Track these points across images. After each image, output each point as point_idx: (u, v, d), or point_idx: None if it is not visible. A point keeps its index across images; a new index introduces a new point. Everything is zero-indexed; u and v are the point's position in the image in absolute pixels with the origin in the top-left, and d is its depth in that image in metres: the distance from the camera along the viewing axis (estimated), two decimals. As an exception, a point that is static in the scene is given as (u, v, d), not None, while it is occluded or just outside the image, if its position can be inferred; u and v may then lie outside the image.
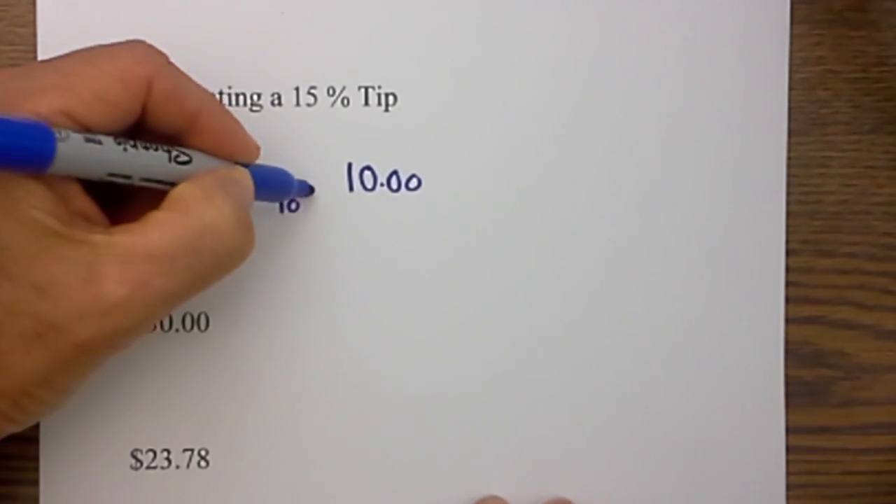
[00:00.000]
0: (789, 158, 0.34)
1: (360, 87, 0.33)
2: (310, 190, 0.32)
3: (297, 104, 0.32)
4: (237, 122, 0.29)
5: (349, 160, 0.33)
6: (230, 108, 0.32)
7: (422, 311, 0.33)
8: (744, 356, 0.33)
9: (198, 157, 0.27)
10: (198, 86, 0.28)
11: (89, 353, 0.24)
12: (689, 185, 0.33)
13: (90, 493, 0.32)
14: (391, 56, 0.33)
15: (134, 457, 0.32)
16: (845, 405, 0.34)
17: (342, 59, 0.32)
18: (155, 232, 0.24)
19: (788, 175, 0.34)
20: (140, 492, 0.32)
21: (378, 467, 0.33)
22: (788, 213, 0.34)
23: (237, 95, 0.32)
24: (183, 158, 0.26)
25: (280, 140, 0.32)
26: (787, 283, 0.34)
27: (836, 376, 0.34)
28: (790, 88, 0.34)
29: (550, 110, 0.33)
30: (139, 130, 0.26)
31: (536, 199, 0.33)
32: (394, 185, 0.33)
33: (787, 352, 0.34)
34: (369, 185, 0.33)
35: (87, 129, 0.24)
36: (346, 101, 0.33)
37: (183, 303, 0.25)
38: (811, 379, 0.34)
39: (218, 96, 0.32)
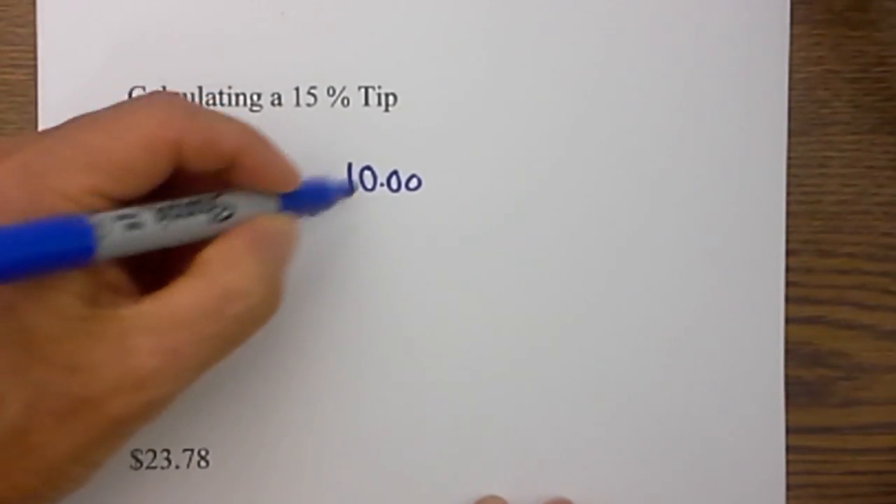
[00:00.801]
0: (789, 158, 0.34)
1: (360, 87, 0.33)
2: (350, 190, 0.32)
3: (297, 104, 0.32)
4: (276, 153, 0.27)
5: (349, 160, 0.33)
6: (230, 109, 0.32)
7: (422, 312, 0.33)
8: (744, 356, 0.33)
9: (241, 206, 0.26)
10: (231, 124, 0.26)
11: (123, 426, 0.24)
12: (688, 185, 0.33)
13: (90, 493, 0.32)
14: (391, 56, 0.33)
15: (134, 457, 0.32)
16: (845, 405, 0.34)
17: (342, 59, 0.32)
18: (181, 299, 0.24)
19: (788, 175, 0.34)
20: (140, 492, 0.32)
21: (378, 467, 0.33)
22: (788, 213, 0.34)
23: (237, 95, 0.32)
24: (224, 214, 0.26)
25: (280, 140, 0.32)
26: (787, 283, 0.34)
27: (836, 376, 0.34)
28: (790, 88, 0.34)
29: (550, 110, 0.33)
30: (175, 176, 0.26)
31: (536, 198, 0.33)
32: (394, 185, 0.33)
33: (787, 352, 0.34)
34: (369, 185, 0.33)
35: (120, 201, 0.24)
36: (346, 101, 0.33)
37: (214, 366, 0.25)
38: (811, 379, 0.34)
39: (218, 96, 0.32)
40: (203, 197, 0.26)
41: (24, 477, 0.23)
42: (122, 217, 0.23)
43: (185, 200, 0.25)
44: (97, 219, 0.23)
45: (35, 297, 0.22)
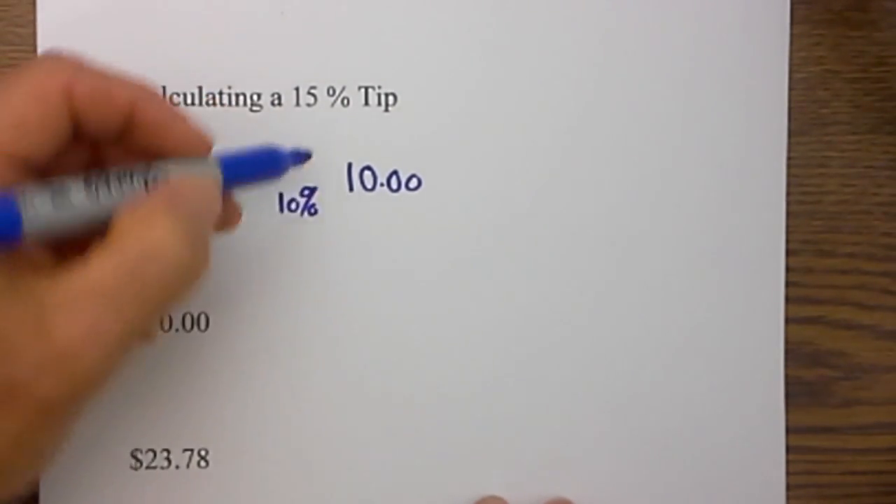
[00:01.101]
0: (789, 158, 0.34)
1: (360, 87, 0.33)
2: (305, 157, 0.31)
3: (297, 104, 0.32)
4: (177, 113, 0.27)
5: (349, 160, 0.33)
6: (230, 109, 0.32)
7: (422, 312, 0.33)
8: (744, 356, 0.33)
9: (174, 174, 0.26)
10: (123, 80, 0.26)
11: (56, 407, 0.23)
12: (689, 186, 0.33)
13: (90, 493, 0.32)
14: (391, 56, 0.33)
15: (134, 457, 0.32)
16: (845, 405, 0.34)
17: (342, 59, 0.32)
18: (96, 268, 0.23)
19: (788, 175, 0.34)
20: (140, 492, 0.32)
21: (378, 467, 0.33)
22: (788, 213, 0.34)
23: (237, 95, 0.32)
24: (158, 178, 0.25)
25: (280, 140, 0.32)
26: (787, 283, 0.34)
27: (836, 376, 0.34)
28: (790, 88, 0.34)
29: (550, 110, 0.33)
30: (88, 146, 0.26)
31: (536, 198, 0.33)
32: (394, 185, 0.33)
33: (787, 352, 0.34)
34: (369, 185, 0.33)
35: (24, 161, 0.23)
36: (346, 101, 0.33)
37: (143, 335, 0.24)
38: (811, 379, 0.34)
39: (218, 96, 0.32)
40: (136, 166, 0.25)
41: None
42: (44, 187, 0.22)
43: (115, 169, 0.25)
44: (19, 194, 0.22)
45: None
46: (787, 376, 0.34)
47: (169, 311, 0.25)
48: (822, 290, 0.34)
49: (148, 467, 0.32)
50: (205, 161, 0.27)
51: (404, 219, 0.33)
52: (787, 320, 0.34)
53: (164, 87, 0.32)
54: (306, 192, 0.32)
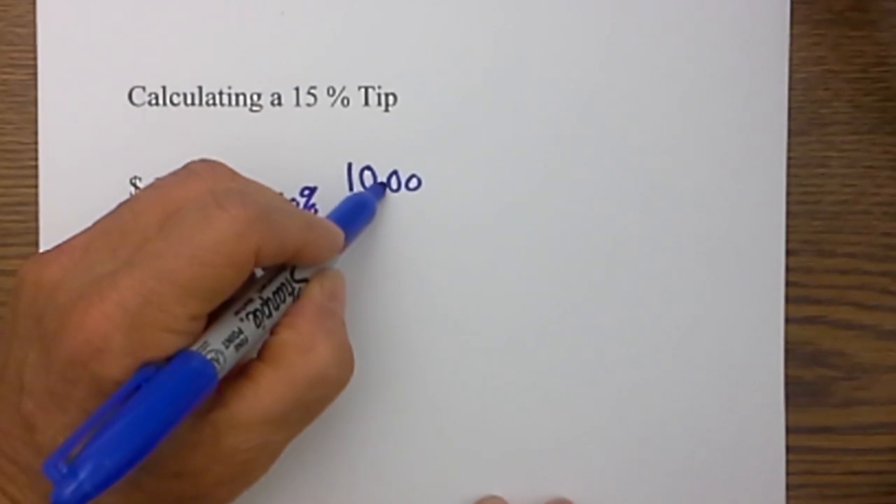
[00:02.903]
0: (789, 158, 0.34)
1: (360, 87, 0.33)
2: (384, 190, 0.32)
3: (297, 104, 0.32)
4: (327, 234, 0.28)
5: (349, 160, 0.33)
6: (230, 109, 0.32)
7: (421, 311, 0.33)
8: (744, 356, 0.33)
9: (311, 274, 0.27)
10: (294, 222, 0.26)
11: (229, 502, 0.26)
12: (689, 185, 0.33)
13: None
14: (391, 56, 0.33)
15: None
16: (845, 405, 0.34)
17: (342, 59, 0.32)
18: (266, 396, 0.25)
19: (788, 175, 0.34)
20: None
21: (378, 467, 0.33)
22: (788, 213, 0.34)
23: (237, 95, 0.32)
24: (300, 289, 0.27)
25: (280, 140, 0.32)
26: (787, 283, 0.34)
27: (836, 376, 0.34)
28: (790, 88, 0.34)
29: (550, 109, 0.33)
30: None
31: (536, 198, 0.33)
32: (394, 185, 0.33)
33: (787, 352, 0.34)
34: (369, 185, 0.33)
35: (212, 310, 0.24)
36: (346, 101, 0.33)
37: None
38: (811, 379, 0.34)
39: (218, 96, 0.32)
40: (282, 279, 0.26)
41: None
42: (230, 340, 0.24)
43: (271, 290, 0.26)
44: (212, 353, 0.23)
45: None
46: (787, 376, 0.34)
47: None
48: (822, 290, 0.34)
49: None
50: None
51: (404, 219, 0.33)
52: (787, 320, 0.34)
53: (164, 87, 0.32)
54: (306, 192, 0.32)
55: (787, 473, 0.33)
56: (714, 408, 0.33)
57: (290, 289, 0.27)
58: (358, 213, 0.31)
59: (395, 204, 0.33)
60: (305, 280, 0.27)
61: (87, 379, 0.22)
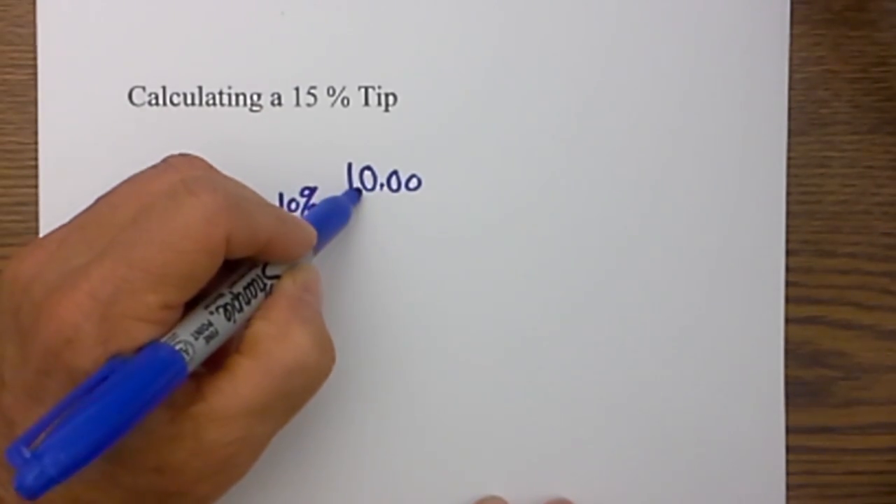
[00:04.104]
0: (789, 158, 0.34)
1: (360, 87, 0.33)
2: (359, 196, 0.32)
3: (297, 104, 0.32)
4: (298, 229, 0.28)
5: (349, 160, 0.33)
6: (230, 109, 0.32)
7: (421, 311, 0.33)
8: (744, 356, 0.33)
9: (284, 270, 0.27)
10: (265, 214, 0.26)
11: (209, 501, 0.25)
12: (689, 186, 0.33)
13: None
14: (391, 56, 0.33)
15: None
16: (845, 405, 0.34)
17: (342, 59, 0.32)
18: (245, 387, 0.24)
19: (788, 175, 0.34)
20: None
21: (378, 467, 0.33)
22: (788, 213, 0.34)
23: (237, 95, 0.32)
24: (272, 284, 0.27)
25: (280, 140, 0.32)
26: (787, 283, 0.34)
27: (836, 376, 0.34)
28: (790, 88, 0.34)
29: (550, 109, 0.33)
30: None
31: (536, 198, 0.33)
32: (394, 185, 0.33)
33: (787, 352, 0.34)
34: (369, 185, 0.33)
35: (183, 304, 0.24)
36: (346, 101, 0.33)
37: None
38: (811, 379, 0.34)
39: (218, 96, 0.32)
40: (253, 275, 0.26)
41: None
42: (199, 332, 0.24)
43: (242, 285, 0.26)
44: (181, 343, 0.23)
45: None
46: (787, 376, 0.34)
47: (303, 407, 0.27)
48: (822, 290, 0.34)
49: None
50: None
51: (404, 219, 0.33)
52: (787, 320, 0.34)
53: (164, 87, 0.32)
54: (306, 192, 0.32)
55: (787, 473, 0.33)
56: (714, 408, 0.33)
57: (261, 284, 0.26)
58: (333, 215, 0.31)
59: (396, 204, 0.33)
60: (278, 277, 0.27)
61: (60, 370, 0.22)
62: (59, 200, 0.32)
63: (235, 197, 0.25)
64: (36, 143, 0.32)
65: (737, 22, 0.33)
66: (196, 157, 0.27)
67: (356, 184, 0.33)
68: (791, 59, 0.34)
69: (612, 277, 0.33)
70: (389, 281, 0.33)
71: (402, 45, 0.33)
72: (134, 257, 0.23)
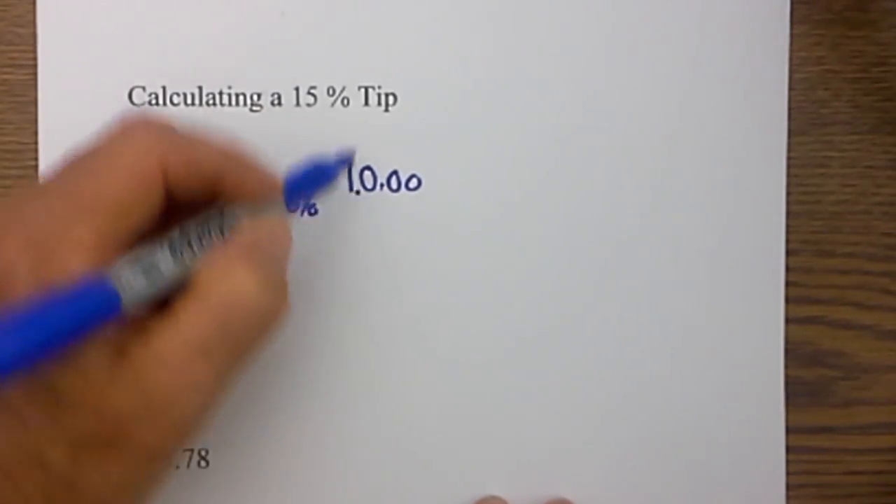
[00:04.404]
0: (789, 158, 0.34)
1: (360, 87, 0.33)
2: (348, 160, 0.32)
3: (297, 104, 0.32)
4: (254, 167, 0.27)
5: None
6: (230, 109, 0.32)
7: (421, 312, 0.33)
8: (744, 356, 0.33)
9: (245, 217, 0.27)
10: (209, 145, 0.26)
11: (160, 452, 0.24)
12: (689, 186, 0.33)
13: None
14: (391, 56, 0.33)
15: (134, 457, 0.32)
16: (845, 405, 0.34)
17: (342, 59, 0.32)
18: (184, 321, 0.24)
19: (788, 175, 0.34)
20: (140, 492, 0.32)
21: (378, 467, 0.33)
22: (788, 213, 0.34)
23: (237, 95, 0.32)
24: (231, 225, 0.26)
25: (280, 140, 0.32)
26: (787, 283, 0.34)
27: (836, 376, 0.34)
28: (790, 88, 0.34)
29: (550, 109, 0.33)
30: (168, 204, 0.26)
31: (536, 198, 0.33)
32: (394, 185, 0.33)
33: (787, 352, 0.34)
34: (369, 185, 0.33)
35: (120, 239, 0.24)
36: (346, 101, 0.33)
37: (235, 377, 0.25)
38: (811, 379, 0.34)
39: (218, 96, 0.32)
40: (210, 215, 0.26)
41: None
42: (141, 268, 0.24)
43: (195, 223, 0.26)
44: (116, 275, 0.23)
45: (61, 359, 0.23)
46: (787, 376, 0.34)
47: (257, 353, 0.26)
48: (822, 290, 0.34)
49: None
50: (272, 201, 0.28)
51: (404, 219, 0.33)
52: (787, 320, 0.34)
53: (164, 87, 0.32)
54: (306, 192, 0.32)
55: (787, 473, 0.33)
56: (714, 408, 0.33)
57: (218, 225, 0.26)
58: (314, 173, 0.30)
59: (396, 204, 0.33)
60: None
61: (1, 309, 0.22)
62: (59, 200, 0.32)
63: (174, 128, 0.25)
64: (36, 143, 0.32)
65: (737, 22, 0.33)
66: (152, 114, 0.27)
67: (356, 183, 0.33)
68: (791, 59, 0.34)
69: (612, 277, 0.33)
70: (389, 281, 0.33)
71: (402, 45, 0.33)
72: (67, 191, 0.24)
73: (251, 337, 0.25)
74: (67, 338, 0.22)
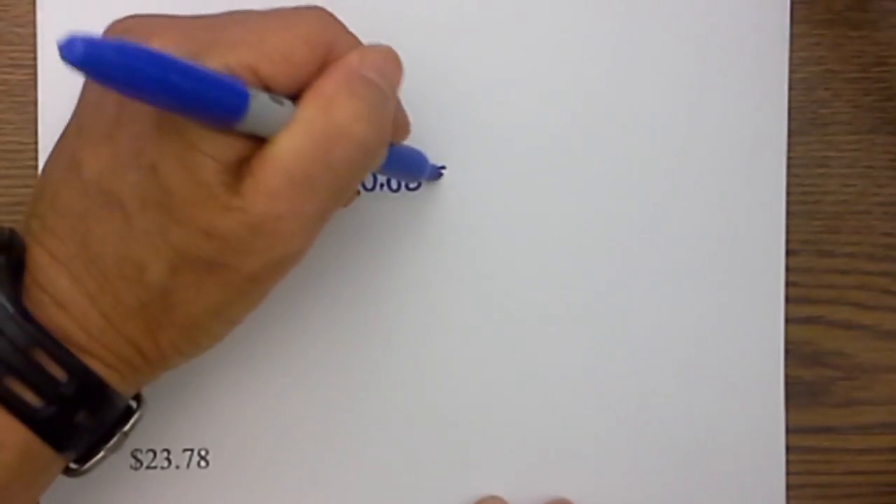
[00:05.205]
0: (789, 158, 0.34)
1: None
2: (439, 174, 0.33)
3: (297, 104, 0.32)
4: (399, 103, 0.28)
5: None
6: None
7: (421, 311, 0.33)
8: (744, 356, 0.33)
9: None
10: (378, 51, 0.27)
11: (259, 283, 0.25)
12: (689, 186, 0.33)
13: (90, 493, 0.32)
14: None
15: (134, 457, 0.32)
16: (845, 405, 0.34)
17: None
18: (286, 155, 0.24)
19: (788, 175, 0.34)
20: (140, 492, 0.32)
21: (378, 467, 0.33)
22: (788, 213, 0.34)
23: (237, 95, 0.32)
24: None
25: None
26: (787, 283, 0.34)
27: (836, 376, 0.34)
28: (790, 88, 0.34)
29: (551, 110, 0.33)
30: None
31: (535, 199, 0.33)
32: (394, 184, 0.33)
33: (787, 352, 0.34)
34: (369, 185, 0.33)
35: (268, 88, 0.24)
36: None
37: (333, 212, 0.26)
38: (811, 379, 0.34)
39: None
40: None
41: (168, 334, 0.25)
42: (266, 91, 0.24)
43: None
44: (248, 86, 0.23)
45: (178, 158, 0.23)
46: (787, 376, 0.34)
47: (354, 189, 0.26)
48: (822, 290, 0.34)
49: (148, 467, 0.32)
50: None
51: (404, 219, 0.33)
52: (787, 320, 0.34)
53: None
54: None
55: (787, 473, 0.33)
56: (714, 408, 0.33)
57: None
58: (416, 158, 0.31)
59: (396, 204, 0.33)
60: None
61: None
62: (59, 200, 0.32)
63: (351, 33, 0.26)
64: (36, 143, 0.32)
65: (737, 22, 0.33)
66: None
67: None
68: (791, 59, 0.34)
69: (612, 277, 0.33)
70: (389, 281, 0.33)
71: (403, 45, 0.33)
72: (246, 21, 0.25)
73: (353, 171, 0.25)
74: (191, 98, 0.21)
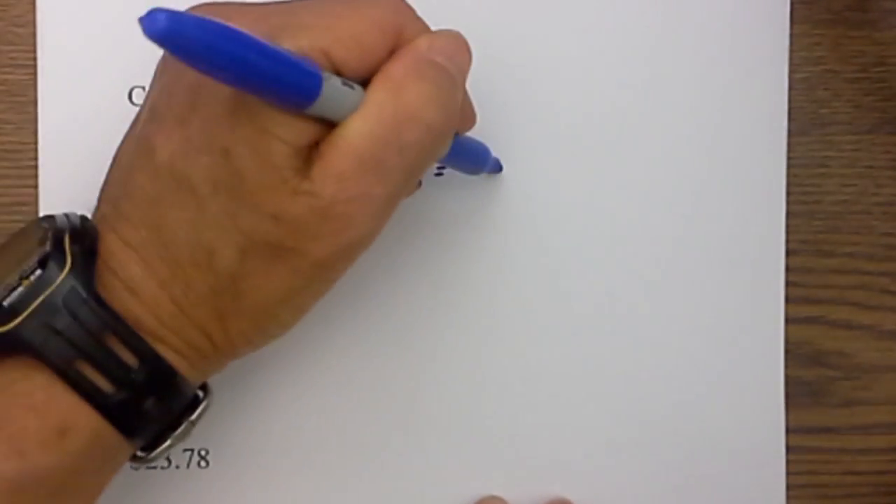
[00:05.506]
0: (789, 158, 0.34)
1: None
2: (500, 168, 0.33)
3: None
4: (467, 94, 0.28)
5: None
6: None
7: (421, 311, 0.33)
8: (744, 356, 0.33)
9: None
10: (447, 38, 0.26)
11: (328, 269, 0.25)
12: (689, 185, 0.33)
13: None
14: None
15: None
16: (845, 405, 0.34)
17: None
18: (356, 138, 0.24)
19: (788, 175, 0.34)
20: (140, 492, 0.32)
21: (378, 467, 0.33)
22: (788, 213, 0.34)
23: (237, 95, 0.32)
24: None
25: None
26: (787, 283, 0.34)
27: (836, 376, 0.34)
28: (790, 88, 0.34)
29: (549, 110, 0.33)
30: None
31: (535, 199, 0.33)
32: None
33: (787, 352, 0.34)
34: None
35: (338, 72, 0.24)
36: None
37: (401, 200, 0.26)
38: (811, 379, 0.34)
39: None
40: None
41: (237, 321, 0.25)
42: (338, 76, 0.24)
43: None
44: (321, 70, 0.23)
45: (250, 141, 0.23)
46: (787, 376, 0.34)
47: (423, 174, 0.26)
48: (822, 290, 0.34)
49: (148, 467, 0.32)
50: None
51: (404, 219, 0.33)
52: (787, 320, 0.34)
53: (164, 87, 0.32)
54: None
55: (787, 473, 0.33)
56: (714, 408, 0.33)
57: None
58: (479, 150, 0.31)
59: (401, 203, 0.33)
60: None
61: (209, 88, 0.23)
62: (59, 200, 0.32)
63: (421, 19, 0.26)
64: (36, 143, 0.32)
65: (737, 22, 0.33)
66: None
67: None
68: (791, 59, 0.34)
69: (612, 277, 0.33)
70: (388, 280, 0.33)
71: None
72: (319, 6, 0.24)
73: (422, 155, 0.25)
74: (264, 78, 0.21)
